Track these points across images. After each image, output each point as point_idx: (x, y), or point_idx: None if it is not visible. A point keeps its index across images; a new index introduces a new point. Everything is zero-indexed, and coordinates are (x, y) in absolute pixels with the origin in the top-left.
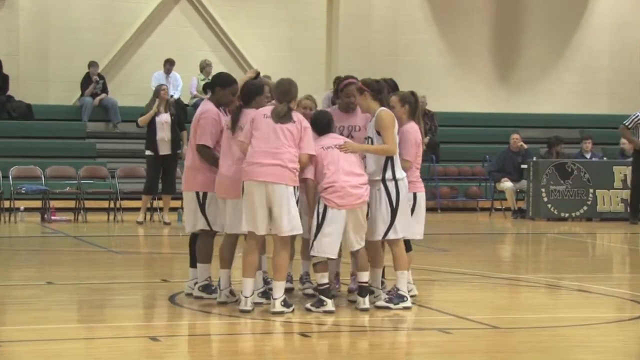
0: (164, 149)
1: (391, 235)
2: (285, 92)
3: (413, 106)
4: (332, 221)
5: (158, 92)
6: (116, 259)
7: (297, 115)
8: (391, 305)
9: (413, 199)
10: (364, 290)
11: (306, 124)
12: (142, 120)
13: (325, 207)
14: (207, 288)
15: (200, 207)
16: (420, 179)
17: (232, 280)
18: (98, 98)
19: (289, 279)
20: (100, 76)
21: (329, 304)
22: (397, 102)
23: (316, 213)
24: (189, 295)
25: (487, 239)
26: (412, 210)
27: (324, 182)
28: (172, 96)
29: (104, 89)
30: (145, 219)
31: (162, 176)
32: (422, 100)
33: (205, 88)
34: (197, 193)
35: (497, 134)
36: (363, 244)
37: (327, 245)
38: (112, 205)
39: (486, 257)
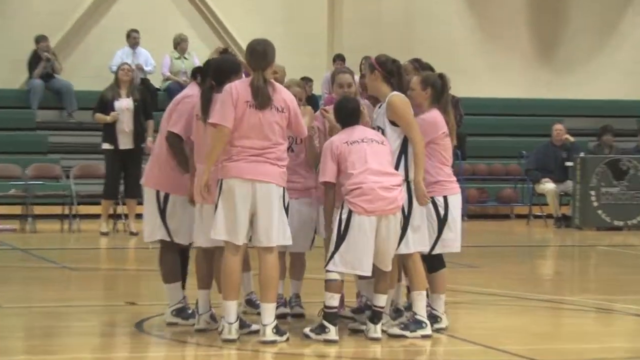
0: (125, 142)
1: (402, 249)
2: (260, 54)
3: (438, 91)
4: (359, 230)
5: (117, 71)
6: (72, 276)
7: (280, 95)
8: (407, 333)
9: (444, 204)
10: (377, 315)
11: (294, 104)
12: (98, 118)
13: (350, 213)
14: (182, 312)
15: (159, 212)
16: (454, 179)
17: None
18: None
19: (282, 302)
20: (52, 54)
21: (332, 332)
22: (418, 84)
23: (338, 220)
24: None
25: (524, 253)
26: (445, 218)
27: (348, 183)
28: (144, 76)
29: (57, 70)
30: (109, 228)
31: (123, 176)
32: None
33: (195, 73)
34: (158, 193)
35: (536, 124)
36: (391, 264)
37: (355, 260)
38: (67, 211)
39: (523, 274)
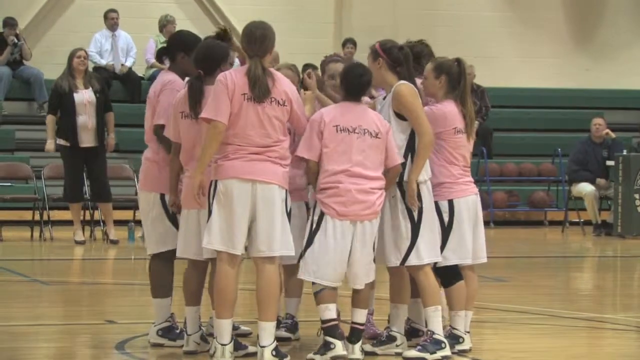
0: (87, 140)
1: (413, 260)
2: (259, 40)
3: (454, 78)
4: (327, 234)
5: (71, 58)
6: (43, 291)
7: (281, 87)
8: (427, 355)
9: (449, 210)
10: (355, 334)
11: (295, 96)
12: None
13: (322, 215)
14: (170, 332)
15: (168, 216)
16: (464, 179)
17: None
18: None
19: (279, 322)
20: (21, 37)
21: (339, 347)
22: (431, 72)
23: (310, 220)
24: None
25: (559, 264)
26: (450, 225)
27: (323, 181)
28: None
29: (26, 56)
30: (85, 236)
31: (88, 177)
32: (468, 71)
33: (161, 55)
34: (162, 196)
35: (572, 118)
36: (372, 278)
37: (323, 268)
38: (37, 217)
39: (557, 289)
